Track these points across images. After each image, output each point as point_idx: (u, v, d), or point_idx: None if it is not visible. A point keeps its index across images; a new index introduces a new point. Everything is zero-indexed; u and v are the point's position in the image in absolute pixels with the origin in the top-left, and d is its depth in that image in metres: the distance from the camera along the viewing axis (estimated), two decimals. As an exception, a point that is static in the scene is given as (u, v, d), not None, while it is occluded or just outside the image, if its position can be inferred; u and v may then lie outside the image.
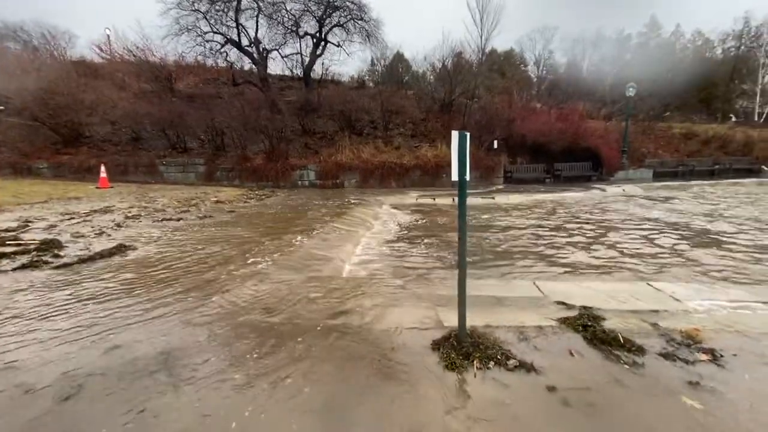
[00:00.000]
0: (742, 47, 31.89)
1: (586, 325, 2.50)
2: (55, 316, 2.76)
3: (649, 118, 22.49)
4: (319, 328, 2.55)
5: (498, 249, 5.77)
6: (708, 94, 31.45)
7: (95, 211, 7.45)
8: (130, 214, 7.24)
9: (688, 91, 30.03)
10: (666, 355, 2.17)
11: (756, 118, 28.75)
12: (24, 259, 4.13)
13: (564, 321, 2.61)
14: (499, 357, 2.13)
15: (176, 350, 2.26)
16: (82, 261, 4.18)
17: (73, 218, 6.66)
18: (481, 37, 19.57)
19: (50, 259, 4.20)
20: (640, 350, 2.23)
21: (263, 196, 11.43)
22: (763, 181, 15.76)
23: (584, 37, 33.36)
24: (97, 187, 11.65)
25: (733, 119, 27.32)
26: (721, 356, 2.17)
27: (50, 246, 4.66)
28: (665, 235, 6.44)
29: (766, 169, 18.75)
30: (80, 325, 2.61)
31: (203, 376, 1.98)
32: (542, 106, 20.28)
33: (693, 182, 15.99)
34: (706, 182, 15.88)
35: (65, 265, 4.01)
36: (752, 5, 39.07)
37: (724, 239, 6.07)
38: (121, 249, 4.68)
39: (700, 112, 29.41)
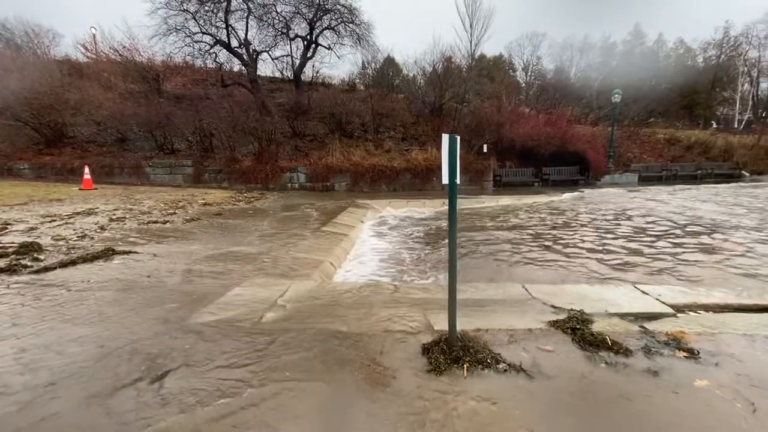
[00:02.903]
0: (723, 56, 32.89)
1: (575, 328, 2.52)
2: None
3: (634, 123, 23.00)
4: (307, 332, 2.52)
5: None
6: (690, 101, 32.34)
7: (78, 214, 7.27)
8: (114, 217, 7.08)
9: (671, 98, 30.86)
10: (651, 357, 2.20)
11: (736, 125, 29.65)
12: (1, 263, 3.99)
13: (553, 324, 2.62)
14: (488, 361, 2.13)
15: (160, 355, 2.20)
16: (64, 265, 4.06)
17: (55, 221, 6.48)
18: (470, 43, 19.73)
19: (29, 263, 4.07)
20: (627, 352, 2.26)
21: (252, 199, 11.31)
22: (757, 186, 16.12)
23: (571, 43, 34.01)
24: (80, 189, 11.37)
25: (714, 126, 28.10)
26: (698, 353, 2.23)
27: (30, 249, 4.52)
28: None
29: (746, 174, 19.30)
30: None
31: (186, 384, 1.93)
32: (531, 111, 20.55)
33: (679, 186, 16.35)
34: (691, 186, 16.24)
35: (45, 269, 3.89)
36: (730, 16, 40.46)
37: None
38: (106, 253, 4.56)
39: (682, 118, 30.20)
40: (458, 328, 2.29)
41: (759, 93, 31.24)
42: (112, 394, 1.84)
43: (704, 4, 48.58)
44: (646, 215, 9.01)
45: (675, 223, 7.96)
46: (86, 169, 12.00)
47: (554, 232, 7.37)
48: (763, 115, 29.61)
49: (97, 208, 8.11)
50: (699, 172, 19.01)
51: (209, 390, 1.88)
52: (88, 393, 1.85)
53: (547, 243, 6.42)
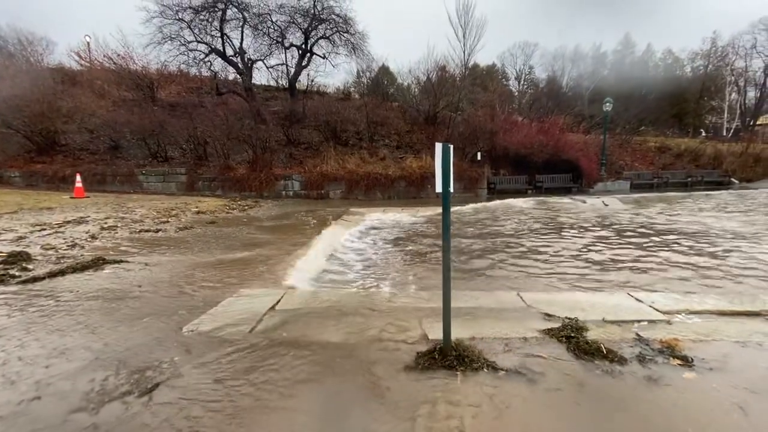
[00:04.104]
0: (710, 66, 33.57)
1: (570, 336, 2.51)
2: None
3: (626, 132, 23.27)
4: (300, 343, 2.49)
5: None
6: (680, 109, 32.89)
7: (69, 222, 7.17)
8: (106, 225, 6.99)
9: (661, 106, 31.34)
10: (646, 365, 2.20)
11: (724, 133, 30.17)
12: (-11, 273, 3.91)
13: (548, 332, 2.61)
14: (484, 370, 2.11)
15: (149, 368, 2.15)
16: (53, 275, 3.99)
17: (45, 229, 6.39)
18: (464, 52, 20.01)
19: (18, 273, 4.00)
20: (622, 360, 2.25)
21: (246, 207, 11.25)
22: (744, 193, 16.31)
23: (563, 53, 34.56)
24: (71, 197, 11.24)
25: (703, 134, 28.60)
26: (692, 361, 2.24)
27: (18, 259, 4.44)
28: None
29: (735, 181, 19.59)
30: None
31: (177, 397, 1.89)
32: (524, 119, 20.77)
33: (670, 194, 16.53)
34: (682, 194, 16.43)
35: (34, 279, 3.82)
36: (717, 26, 41.59)
37: None
38: (97, 263, 4.48)
39: (672, 126, 30.69)
40: (453, 336, 2.28)
41: (746, 102, 31.87)
42: (100, 407, 1.80)
43: (691, 15, 49.85)
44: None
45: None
46: (78, 177, 11.88)
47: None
48: (751, 123, 30.19)
49: (89, 216, 8.01)
50: (689, 179, 19.26)
51: (200, 403, 1.84)
52: (74, 407, 1.80)
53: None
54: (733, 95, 32.71)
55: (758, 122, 30.84)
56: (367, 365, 2.20)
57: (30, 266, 4.26)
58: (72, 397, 1.88)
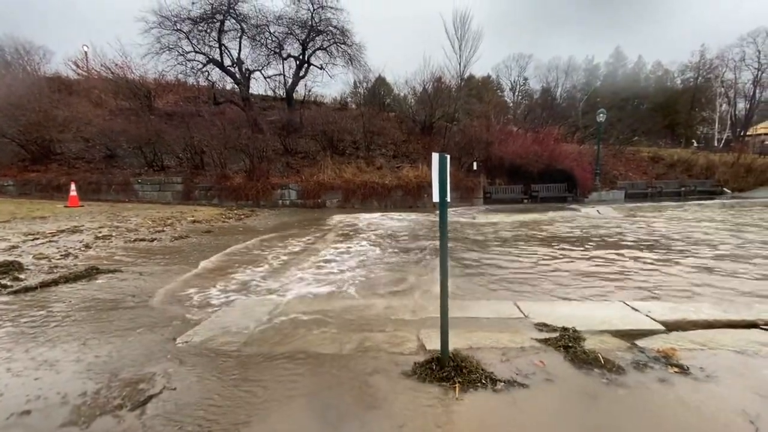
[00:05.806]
0: (700, 78, 34.26)
1: (568, 346, 2.51)
2: (10, 345, 2.56)
3: (619, 142, 23.58)
4: (296, 355, 2.46)
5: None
6: (671, 120, 33.46)
7: (62, 231, 7.10)
8: (100, 235, 6.93)
9: (654, 117, 31.90)
10: (643, 373, 2.19)
11: (716, 144, 30.66)
12: (-21, 283, 3.86)
13: (546, 342, 2.61)
14: (483, 380, 2.09)
15: (142, 380, 2.11)
16: (45, 285, 3.93)
17: (38, 239, 6.32)
18: (459, 64, 20.32)
19: (9, 283, 3.94)
20: (620, 370, 2.25)
21: (243, 216, 11.21)
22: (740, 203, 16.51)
23: (557, 65, 35.19)
24: (66, 206, 11.15)
25: (695, 144, 29.04)
26: (689, 369, 2.25)
27: (10, 268, 4.39)
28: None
29: (727, 191, 19.83)
30: (37, 354, 2.42)
31: (170, 411, 1.85)
32: (519, 129, 21.00)
33: (664, 203, 16.69)
34: (675, 203, 16.59)
35: (25, 290, 3.76)
36: (705, 39, 42.55)
37: None
38: (90, 272, 4.43)
39: (665, 137, 31.14)
40: (451, 347, 2.26)
41: (737, 113, 32.47)
42: (91, 421, 1.76)
43: (680, 29, 51.09)
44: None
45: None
46: (72, 186, 11.80)
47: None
48: (742, 134, 30.71)
49: (83, 225, 7.94)
50: (683, 189, 19.47)
51: (194, 417, 1.80)
52: (65, 421, 1.76)
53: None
54: (724, 106, 33.35)
55: (748, 133, 31.39)
56: (364, 376, 2.18)
57: (22, 276, 4.20)
58: (62, 411, 1.84)
